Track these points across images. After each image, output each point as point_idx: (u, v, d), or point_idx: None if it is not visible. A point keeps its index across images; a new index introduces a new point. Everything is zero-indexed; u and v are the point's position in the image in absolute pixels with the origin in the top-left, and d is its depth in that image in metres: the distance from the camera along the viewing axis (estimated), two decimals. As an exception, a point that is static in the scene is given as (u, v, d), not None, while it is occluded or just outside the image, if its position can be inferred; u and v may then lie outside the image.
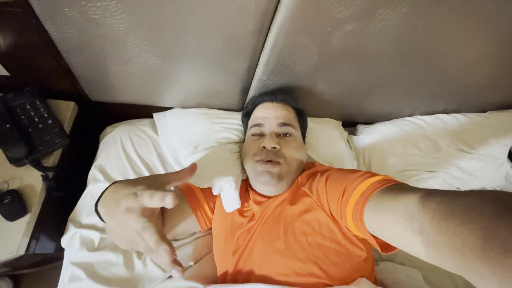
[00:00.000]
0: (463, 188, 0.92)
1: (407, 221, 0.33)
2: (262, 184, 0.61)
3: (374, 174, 0.47)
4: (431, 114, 0.95)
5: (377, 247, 0.42)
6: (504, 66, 0.73)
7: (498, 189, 0.97)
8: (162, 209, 0.61)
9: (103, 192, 0.44)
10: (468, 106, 0.93)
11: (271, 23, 0.53)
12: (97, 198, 0.44)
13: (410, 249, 0.34)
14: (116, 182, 0.44)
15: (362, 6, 0.48)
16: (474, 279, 0.25)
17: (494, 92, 0.87)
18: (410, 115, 0.95)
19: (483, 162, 0.92)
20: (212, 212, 0.67)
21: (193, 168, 0.49)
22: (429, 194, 0.32)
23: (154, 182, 0.42)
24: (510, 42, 0.64)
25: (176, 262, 0.39)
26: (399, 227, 0.34)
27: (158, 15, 0.50)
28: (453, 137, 0.92)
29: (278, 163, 0.59)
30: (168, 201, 0.37)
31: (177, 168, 0.73)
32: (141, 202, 0.38)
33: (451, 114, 0.95)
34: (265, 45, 0.58)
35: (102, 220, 0.44)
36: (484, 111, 0.97)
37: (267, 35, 0.56)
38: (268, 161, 0.59)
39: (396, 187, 0.40)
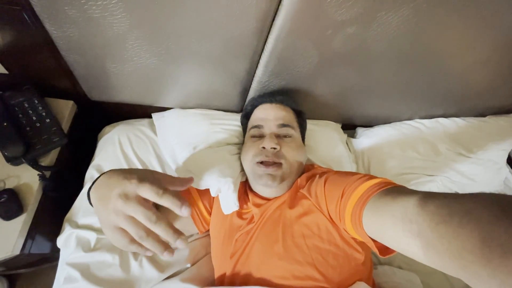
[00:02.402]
0: (461, 192, 0.92)
1: (406, 224, 0.32)
2: (263, 186, 0.61)
3: (372, 177, 0.47)
4: (431, 118, 0.95)
5: (376, 250, 0.42)
6: (503, 71, 0.73)
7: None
8: (156, 207, 0.61)
9: (97, 178, 0.44)
10: (467, 110, 0.93)
11: (271, 24, 0.53)
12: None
13: (408, 252, 0.33)
14: (111, 170, 0.44)
15: (363, 9, 0.48)
16: (473, 281, 0.24)
17: (493, 97, 0.87)
18: (410, 119, 0.95)
19: (482, 167, 0.92)
20: (209, 213, 0.66)
21: (189, 181, 0.49)
22: (428, 197, 0.32)
23: (153, 178, 0.42)
24: (510, 47, 0.64)
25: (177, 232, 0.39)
26: (397, 230, 0.34)
27: (159, 15, 0.49)
28: (452, 141, 0.92)
29: (280, 164, 0.59)
30: (184, 211, 0.38)
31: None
32: (138, 191, 0.38)
33: (450, 118, 0.95)
34: (265, 46, 0.58)
35: (91, 204, 0.45)
36: (483, 116, 0.97)
37: (267, 37, 0.56)
38: (269, 164, 0.59)
39: (394, 190, 0.40)
